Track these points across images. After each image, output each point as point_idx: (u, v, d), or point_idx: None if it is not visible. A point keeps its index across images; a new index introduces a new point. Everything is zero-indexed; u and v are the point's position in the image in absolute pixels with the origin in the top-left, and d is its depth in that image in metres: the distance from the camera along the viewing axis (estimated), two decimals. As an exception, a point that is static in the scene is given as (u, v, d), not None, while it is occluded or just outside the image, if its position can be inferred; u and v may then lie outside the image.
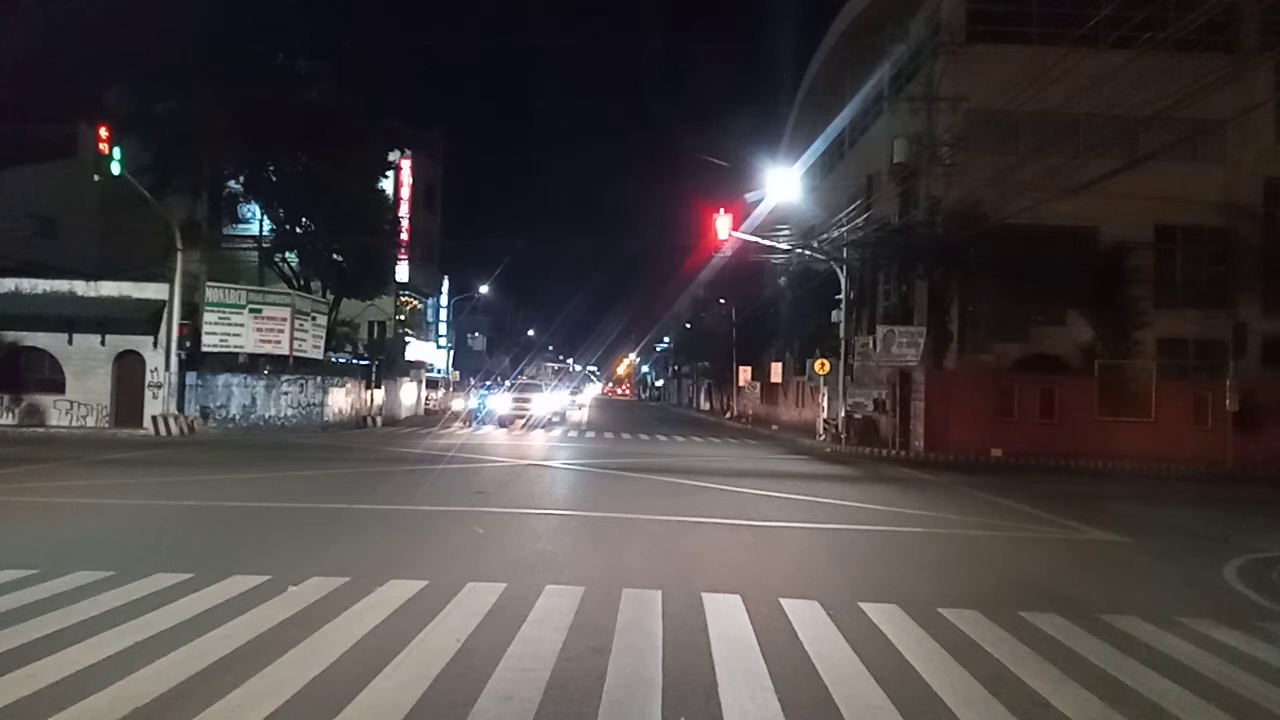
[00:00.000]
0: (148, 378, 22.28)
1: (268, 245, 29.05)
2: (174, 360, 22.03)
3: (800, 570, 7.59)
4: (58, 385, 22.11)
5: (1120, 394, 20.76)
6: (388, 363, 31.66)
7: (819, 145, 30.17)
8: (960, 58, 22.38)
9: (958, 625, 5.73)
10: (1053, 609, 6.22)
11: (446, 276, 51.46)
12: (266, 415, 23.83)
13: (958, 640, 5.40)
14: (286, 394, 24.23)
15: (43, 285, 22.28)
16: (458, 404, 38.37)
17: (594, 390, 71.84)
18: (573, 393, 47.67)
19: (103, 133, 18.37)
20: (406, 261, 37.76)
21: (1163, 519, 12.12)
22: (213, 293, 23.42)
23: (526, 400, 30.20)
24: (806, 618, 5.79)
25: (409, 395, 34.23)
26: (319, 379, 25.18)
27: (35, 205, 25.29)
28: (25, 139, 23.50)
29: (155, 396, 22.21)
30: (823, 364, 24.36)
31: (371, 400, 28.51)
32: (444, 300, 51.32)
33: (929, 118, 22.34)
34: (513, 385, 34.43)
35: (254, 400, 23.77)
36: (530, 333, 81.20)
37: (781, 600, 6.19)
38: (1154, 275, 22.30)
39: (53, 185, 25.39)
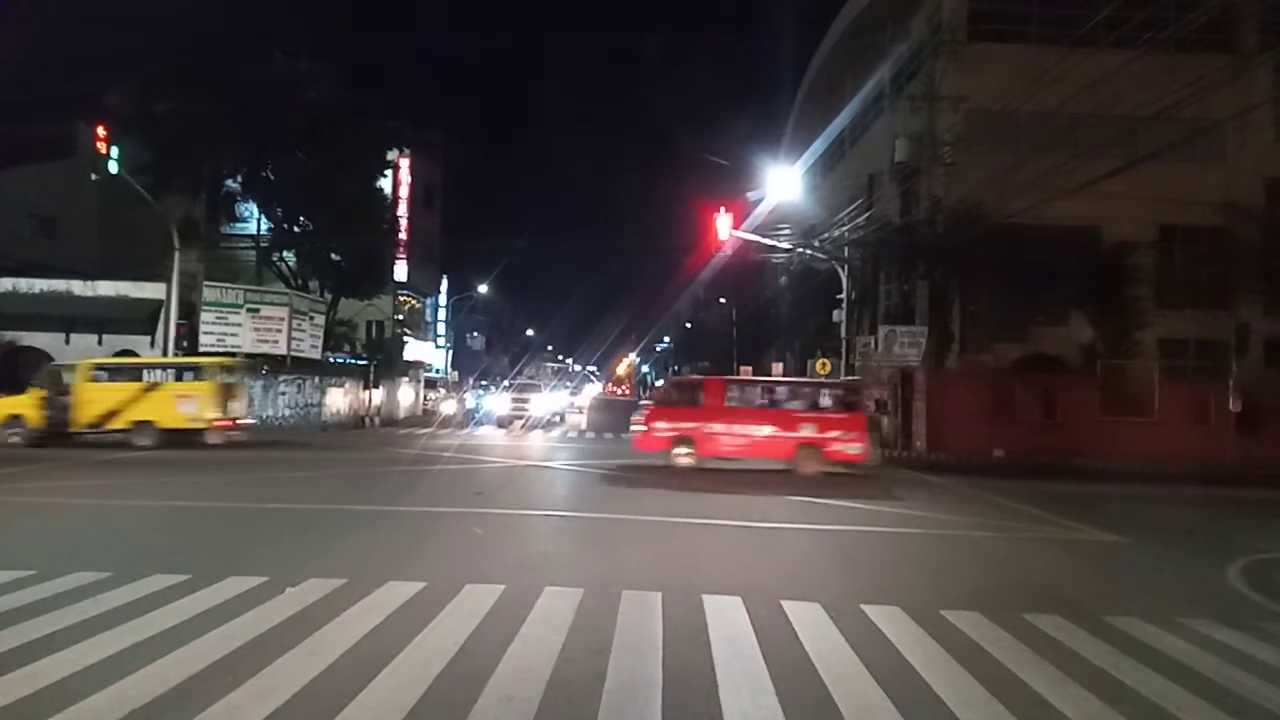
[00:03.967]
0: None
1: (266, 244, 29.04)
2: (173, 360, 21.98)
3: (801, 571, 7.57)
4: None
5: (1122, 394, 20.71)
6: (386, 363, 31.61)
7: (820, 144, 30.10)
8: (961, 57, 22.36)
9: (959, 626, 5.71)
10: (1054, 610, 6.20)
11: (445, 276, 51.48)
12: (264, 415, 23.75)
13: (959, 641, 5.38)
14: (284, 394, 24.19)
15: (40, 285, 22.27)
16: (446, 407, 35.52)
17: (593, 390, 71.61)
18: (572, 393, 47.57)
19: (100, 132, 18.35)
20: (405, 261, 37.78)
21: (1164, 519, 12.10)
22: (210, 292, 23.39)
23: (525, 401, 30.10)
24: (807, 619, 5.77)
25: (407, 395, 34.15)
26: (316, 379, 25.15)
27: (35, 205, 25.32)
28: (25, 139, 23.52)
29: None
30: (824, 364, 24.33)
31: (369, 400, 28.48)
32: (443, 300, 51.32)
33: (930, 117, 22.30)
34: (511, 385, 34.34)
35: (251, 400, 23.71)
36: (529, 332, 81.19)
37: (782, 602, 6.17)
38: (1155, 275, 22.28)
39: (53, 185, 25.40)
